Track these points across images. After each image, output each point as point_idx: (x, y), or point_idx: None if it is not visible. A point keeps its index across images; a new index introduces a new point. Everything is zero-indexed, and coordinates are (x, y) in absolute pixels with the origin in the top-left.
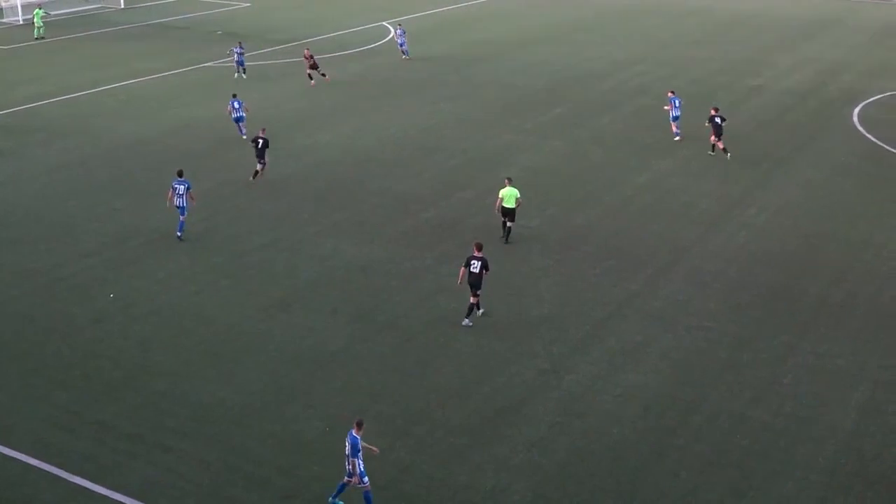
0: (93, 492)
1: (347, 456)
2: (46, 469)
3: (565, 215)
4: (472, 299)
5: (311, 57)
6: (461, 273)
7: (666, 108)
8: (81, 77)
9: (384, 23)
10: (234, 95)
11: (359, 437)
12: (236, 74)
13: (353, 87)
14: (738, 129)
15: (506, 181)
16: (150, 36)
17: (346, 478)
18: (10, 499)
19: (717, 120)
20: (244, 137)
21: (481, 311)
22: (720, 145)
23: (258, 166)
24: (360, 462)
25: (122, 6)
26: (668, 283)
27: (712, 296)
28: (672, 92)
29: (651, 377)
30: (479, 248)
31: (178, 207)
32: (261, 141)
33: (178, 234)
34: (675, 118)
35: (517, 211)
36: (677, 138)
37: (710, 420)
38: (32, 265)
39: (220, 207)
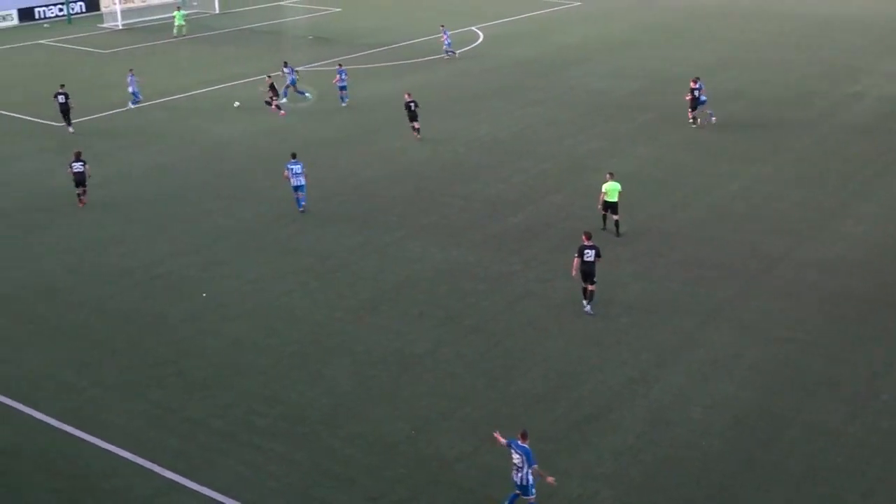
0: (184, 486)
1: (517, 467)
2: (140, 463)
3: (655, 222)
4: (589, 287)
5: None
6: (574, 263)
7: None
8: (177, 80)
9: (473, 27)
10: (340, 65)
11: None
12: (285, 99)
13: (441, 90)
14: (836, 136)
15: (607, 176)
16: (242, 40)
17: (516, 491)
18: (105, 490)
19: (696, 92)
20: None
21: (588, 307)
22: (691, 115)
23: (415, 125)
24: (531, 475)
25: (217, 11)
26: (760, 292)
27: (806, 307)
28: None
29: (742, 389)
30: (589, 237)
31: (295, 188)
32: (412, 104)
33: (301, 209)
34: (702, 102)
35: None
36: (713, 118)
37: (804, 435)
38: (129, 264)
39: (310, 210)
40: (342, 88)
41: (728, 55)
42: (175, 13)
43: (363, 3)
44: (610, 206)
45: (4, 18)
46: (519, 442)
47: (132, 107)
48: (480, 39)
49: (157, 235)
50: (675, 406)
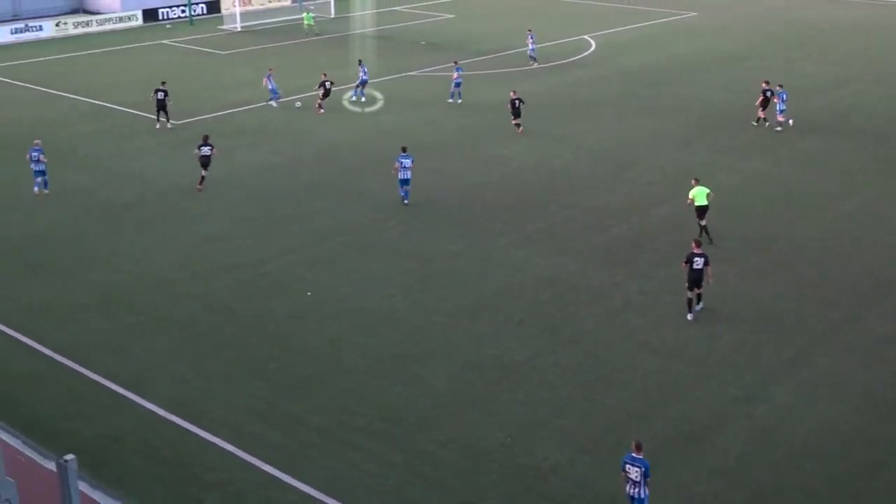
0: (283, 481)
1: (634, 482)
2: (241, 456)
3: (764, 239)
4: (690, 294)
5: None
6: (683, 270)
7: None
8: (290, 82)
9: (585, 36)
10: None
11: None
12: (355, 98)
13: (550, 98)
14: None
15: (693, 181)
16: (356, 45)
17: None
18: (208, 482)
19: (768, 94)
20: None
21: (701, 304)
22: (762, 115)
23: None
24: (647, 488)
25: (333, 15)
26: (871, 314)
27: None
28: (780, 86)
29: (851, 414)
30: (699, 245)
31: (402, 181)
32: (517, 101)
33: (405, 201)
34: (782, 111)
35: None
36: (778, 128)
37: None
38: (237, 260)
39: (415, 213)
40: (457, 85)
41: (848, 70)
42: (304, 14)
43: (476, 9)
44: (701, 211)
45: (129, 19)
46: (634, 454)
47: (274, 105)
48: (592, 48)
49: (265, 233)
50: (779, 428)
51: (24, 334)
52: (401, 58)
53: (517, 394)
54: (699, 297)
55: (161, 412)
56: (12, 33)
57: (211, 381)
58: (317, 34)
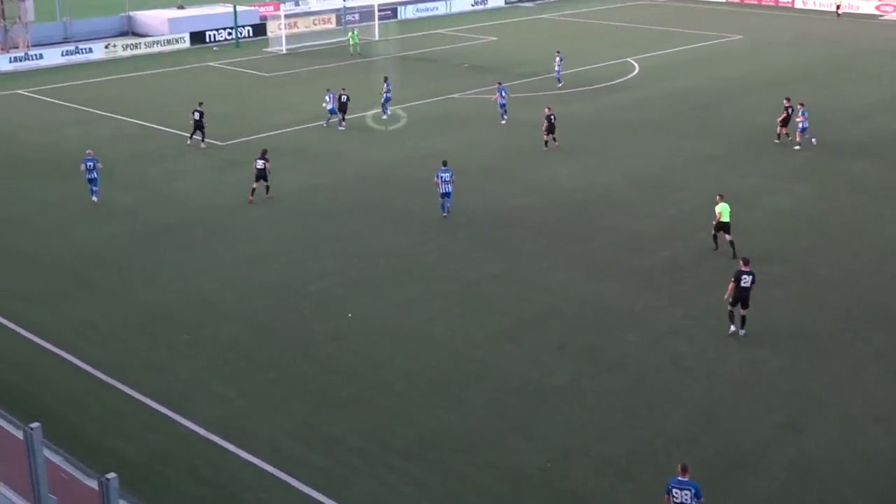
0: (321, 503)
1: None
2: (280, 476)
3: (811, 264)
4: (742, 312)
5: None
6: (730, 289)
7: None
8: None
9: (629, 59)
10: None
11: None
12: (384, 115)
13: (594, 121)
14: None
15: (718, 197)
16: (399, 68)
17: None
18: (247, 502)
19: (789, 111)
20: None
21: (744, 331)
22: (783, 131)
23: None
24: None
25: (377, 38)
26: None
27: None
28: (801, 104)
29: None
30: (747, 263)
31: (442, 194)
32: (552, 117)
33: (444, 214)
34: (804, 129)
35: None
36: (797, 147)
37: None
38: (279, 280)
39: (456, 236)
40: (502, 106)
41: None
42: (349, 34)
43: (519, 33)
44: (723, 227)
45: (177, 41)
46: (681, 478)
47: (333, 122)
48: (636, 71)
49: (307, 254)
50: (826, 458)
51: (68, 352)
52: (443, 80)
53: (557, 418)
54: (743, 321)
55: (202, 432)
56: (63, 55)
57: (252, 401)
58: (360, 53)
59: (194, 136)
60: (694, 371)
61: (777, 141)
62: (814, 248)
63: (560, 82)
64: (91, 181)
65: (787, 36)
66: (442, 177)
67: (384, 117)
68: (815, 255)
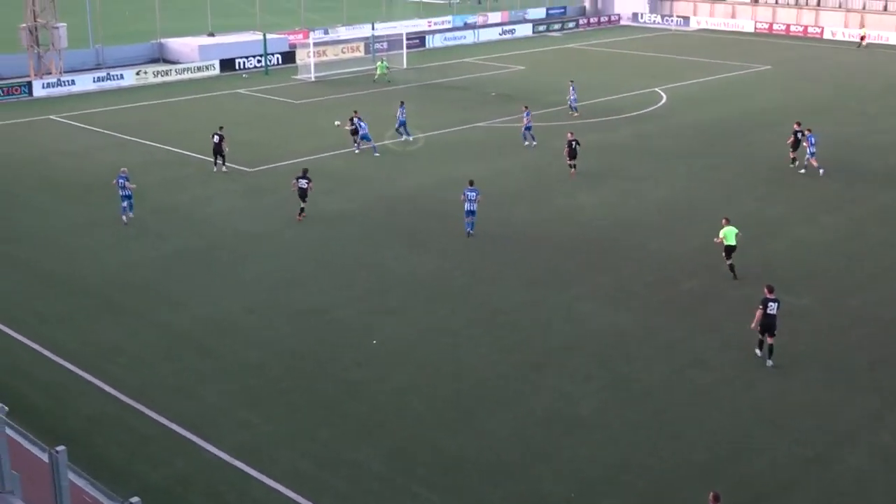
0: None
1: None
2: (303, 502)
3: (838, 296)
4: (769, 340)
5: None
6: (757, 315)
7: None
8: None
9: (657, 88)
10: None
11: None
12: (408, 138)
13: (621, 150)
14: None
15: (724, 220)
16: (427, 96)
17: None
18: None
19: (799, 135)
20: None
21: (771, 362)
22: (793, 155)
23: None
24: None
25: (405, 66)
26: None
27: None
28: (809, 130)
29: None
30: (772, 290)
31: (467, 212)
32: (574, 143)
33: (469, 232)
34: (811, 154)
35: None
36: (802, 171)
37: None
38: (305, 305)
39: (482, 263)
40: (527, 129)
41: None
42: (378, 63)
43: (547, 62)
44: (727, 250)
45: (207, 68)
46: None
47: (371, 146)
48: (663, 100)
49: (333, 280)
50: (854, 492)
51: (95, 375)
52: (471, 109)
53: (581, 449)
54: (771, 350)
55: (226, 457)
56: (94, 81)
57: (276, 427)
58: (388, 82)
59: (217, 162)
60: (719, 402)
61: (792, 166)
62: (841, 278)
63: (576, 112)
64: (123, 198)
65: (815, 66)
66: (468, 195)
67: (409, 139)
68: (843, 286)
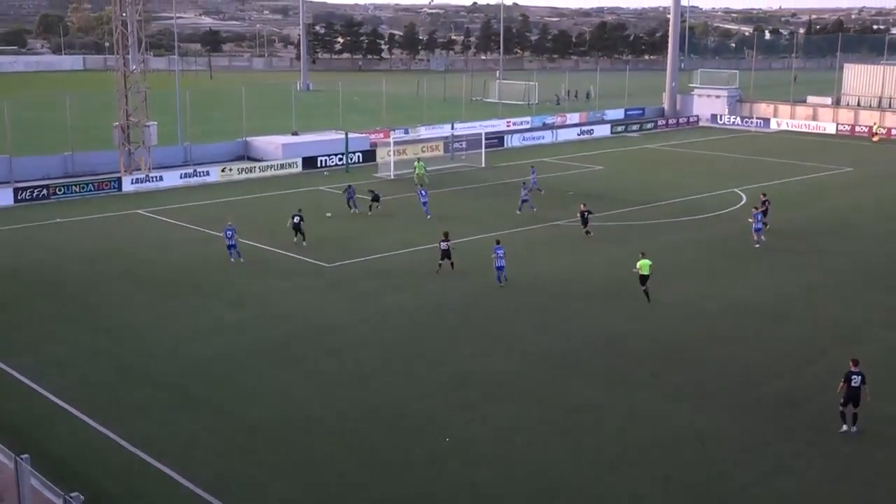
0: None
1: None
2: None
3: None
4: (852, 410)
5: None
6: (841, 388)
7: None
8: (441, 228)
9: (736, 189)
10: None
11: None
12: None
13: (700, 250)
14: None
15: (641, 255)
16: (505, 194)
17: None
18: None
19: (766, 204)
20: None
21: (855, 428)
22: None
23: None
24: None
25: (483, 165)
26: None
27: None
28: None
29: None
30: (857, 364)
31: (497, 267)
32: (586, 212)
33: (501, 284)
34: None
35: None
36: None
37: None
38: (379, 401)
39: (558, 362)
40: (534, 188)
41: None
42: (415, 164)
43: (626, 162)
44: (642, 279)
45: (290, 166)
46: None
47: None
48: (743, 201)
49: (408, 375)
50: None
51: (171, 467)
52: (549, 207)
53: None
54: (855, 418)
55: None
56: (181, 178)
57: None
58: (426, 184)
59: (296, 238)
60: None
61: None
62: None
63: (541, 190)
64: (230, 247)
65: None
66: (498, 252)
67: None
68: None
